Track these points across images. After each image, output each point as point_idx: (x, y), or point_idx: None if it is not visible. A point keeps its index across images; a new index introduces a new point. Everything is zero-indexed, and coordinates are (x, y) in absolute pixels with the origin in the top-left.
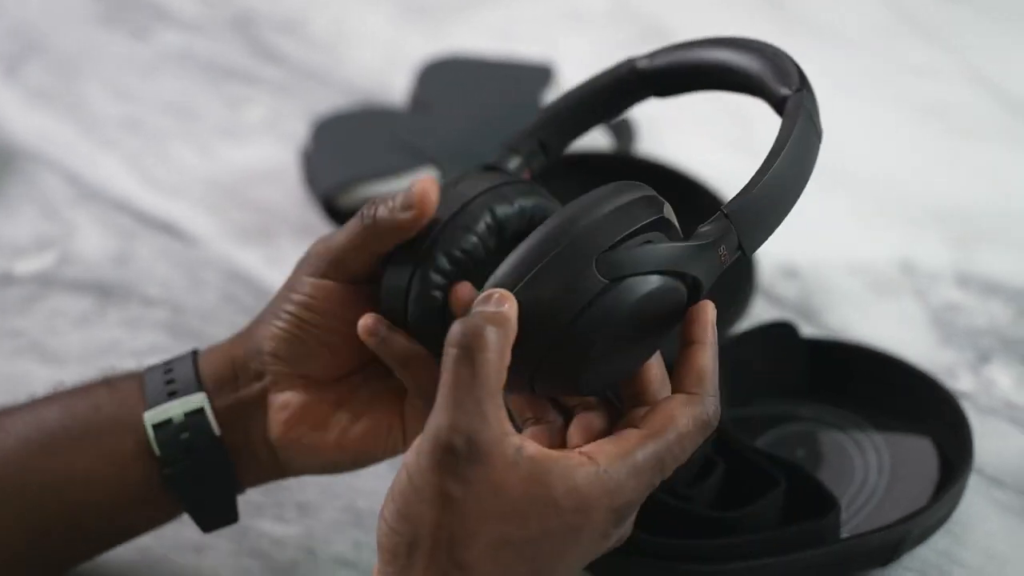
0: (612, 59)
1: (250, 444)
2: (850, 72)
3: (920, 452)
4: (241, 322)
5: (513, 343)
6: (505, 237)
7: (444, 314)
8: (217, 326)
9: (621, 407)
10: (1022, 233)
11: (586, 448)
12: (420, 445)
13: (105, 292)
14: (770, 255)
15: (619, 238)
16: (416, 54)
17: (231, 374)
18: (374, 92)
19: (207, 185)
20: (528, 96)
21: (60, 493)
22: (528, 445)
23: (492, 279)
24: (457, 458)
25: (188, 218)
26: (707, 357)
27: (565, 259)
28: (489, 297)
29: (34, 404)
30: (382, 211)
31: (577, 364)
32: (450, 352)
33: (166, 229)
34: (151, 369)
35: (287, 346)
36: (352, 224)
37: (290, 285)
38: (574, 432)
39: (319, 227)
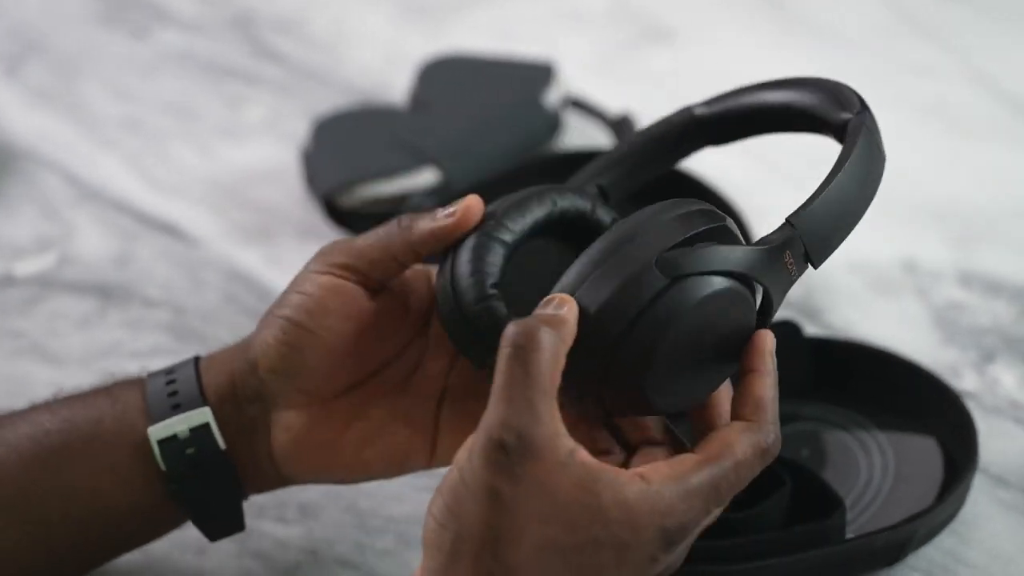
0: (611, 58)
1: (255, 458)
2: (850, 72)
3: (924, 452)
4: (242, 322)
5: (576, 345)
6: (565, 227)
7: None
8: (218, 327)
9: (689, 445)
10: None
11: (640, 469)
12: (472, 442)
13: (106, 293)
14: None
15: (681, 239)
16: (416, 53)
17: (231, 390)
18: (374, 92)
19: (207, 185)
20: (529, 95)
21: (64, 507)
22: (581, 451)
23: (555, 287)
24: (509, 454)
25: (188, 218)
26: (766, 386)
27: (626, 260)
28: (549, 302)
29: (34, 414)
30: (424, 221)
31: (642, 369)
32: (504, 351)
33: (166, 230)
34: (153, 377)
35: (282, 359)
36: (386, 227)
37: (293, 284)
38: (635, 463)
39: (320, 227)
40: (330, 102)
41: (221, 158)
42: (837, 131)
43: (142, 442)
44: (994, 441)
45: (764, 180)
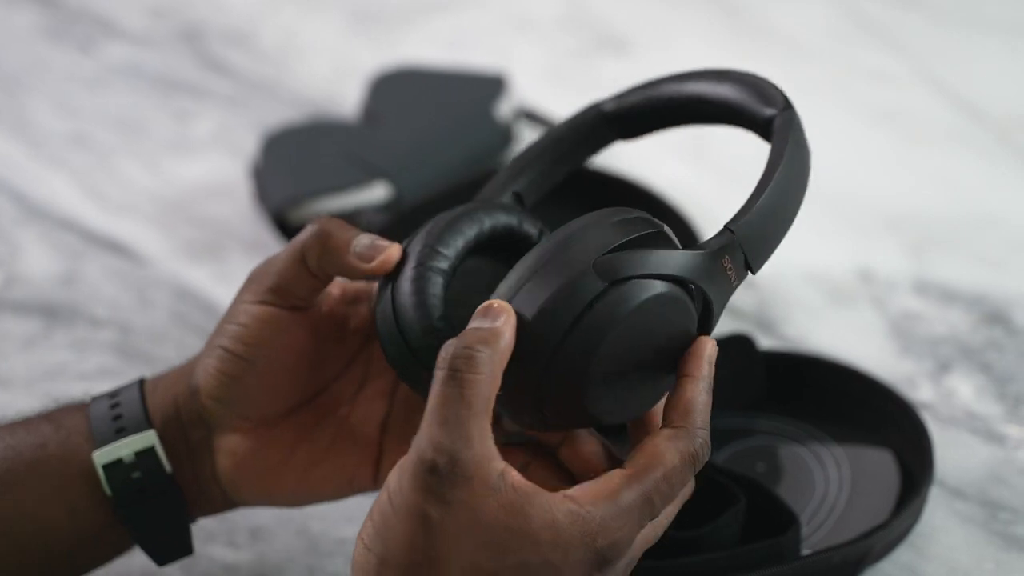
0: (564, 67)
1: (201, 482)
2: (805, 78)
3: (881, 464)
4: (191, 342)
5: (514, 354)
6: (496, 243)
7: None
8: (166, 346)
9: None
10: (980, 240)
11: (570, 491)
12: (403, 464)
13: (51, 313)
14: None
15: (618, 244)
16: (367, 65)
17: (175, 413)
18: (325, 104)
19: (155, 202)
20: (481, 107)
21: (9, 536)
22: (512, 473)
23: (493, 294)
24: (439, 478)
25: (136, 236)
26: (697, 390)
27: (563, 265)
28: (486, 311)
29: None
30: (338, 243)
31: (581, 376)
32: (439, 373)
33: (113, 248)
34: (96, 400)
35: (222, 387)
36: (302, 236)
37: (229, 313)
38: (566, 452)
39: (270, 243)
40: (280, 115)
41: (169, 174)
42: (761, 127)
43: (87, 467)
44: (950, 452)
45: (717, 189)
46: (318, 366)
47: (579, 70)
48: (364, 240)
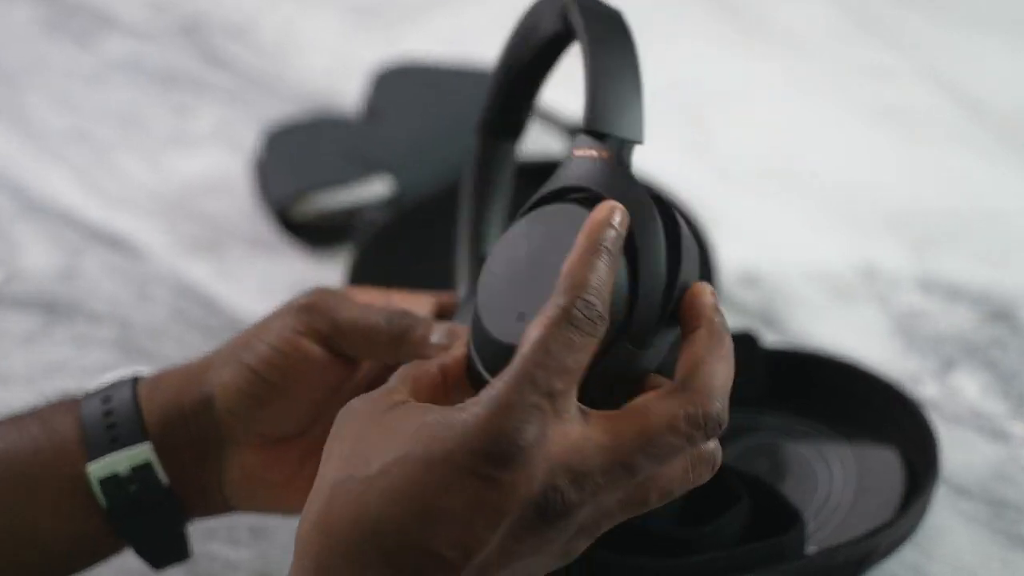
0: (565, 63)
1: (203, 488)
2: (807, 75)
3: (886, 463)
4: (191, 338)
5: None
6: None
7: None
8: (166, 342)
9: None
10: (984, 236)
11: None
12: None
13: (51, 309)
14: (730, 263)
15: None
16: (368, 60)
17: (180, 418)
18: (326, 98)
19: (155, 197)
20: (482, 103)
21: (5, 540)
22: (409, 402)
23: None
24: (342, 416)
25: (136, 231)
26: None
27: None
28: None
29: None
30: (417, 336)
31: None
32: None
33: (113, 243)
34: (87, 400)
35: (243, 406)
36: (377, 315)
37: (265, 329)
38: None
39: (271, 239)
40: (281, 110)
41: (169, 169)
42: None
43: (81, 476)
44: (956, 451)
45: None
46: (341, 396)
47: (581, 66)
48: (440, 329)
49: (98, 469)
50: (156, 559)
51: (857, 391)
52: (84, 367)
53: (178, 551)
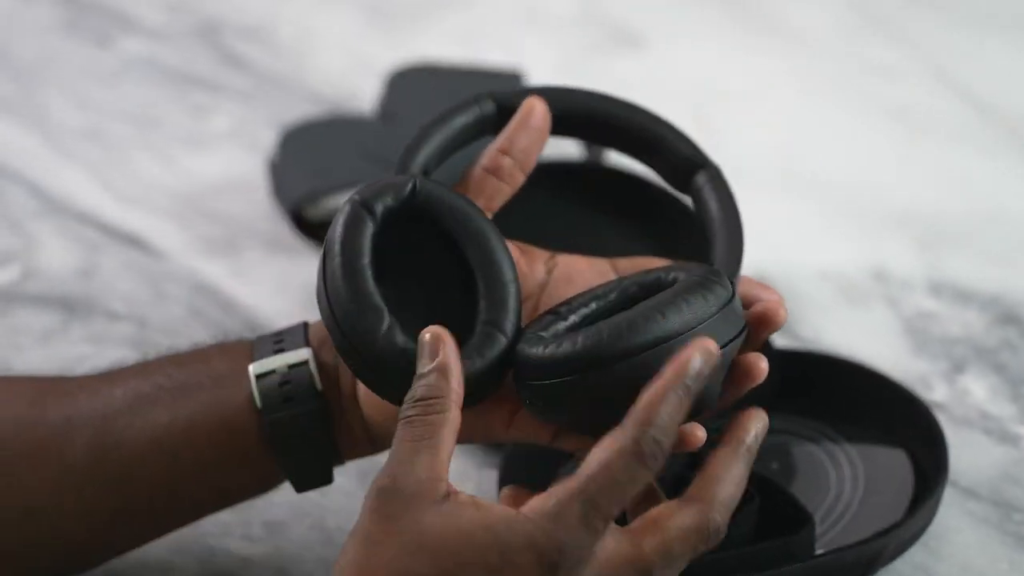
0: (578, 63)
1: (345, 419)
2: (817, 75)
3: (894, 464)
4: (206, 337)
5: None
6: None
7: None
8: (183, 340)
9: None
10: (995, 239)
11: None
12: (368, 490)
13: (69, 307)
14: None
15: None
16: (382, 61)
17: (333, 364)
18: (341, 100)
19: (172, 196)
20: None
21: (159, 443)
22: (459, 493)
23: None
24: (382, 497)
25: (153, 230)
26: (656, 391)
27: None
28: (431, 347)
29: (148, 361)
30: None
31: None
32: (400, 420)
33: (131, 242)
34: (262, 336)
35: None
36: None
37: None
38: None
39: (287, 239)
40: (297, 111)
41: (186, 168)
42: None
43: (243, 382)
44: (964, 452)
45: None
46: None
47: (594, 67)
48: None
49: (257, 367)
50: (300, 477)
51: (866, 393)
52: (101, 365)
53: (323, 471)
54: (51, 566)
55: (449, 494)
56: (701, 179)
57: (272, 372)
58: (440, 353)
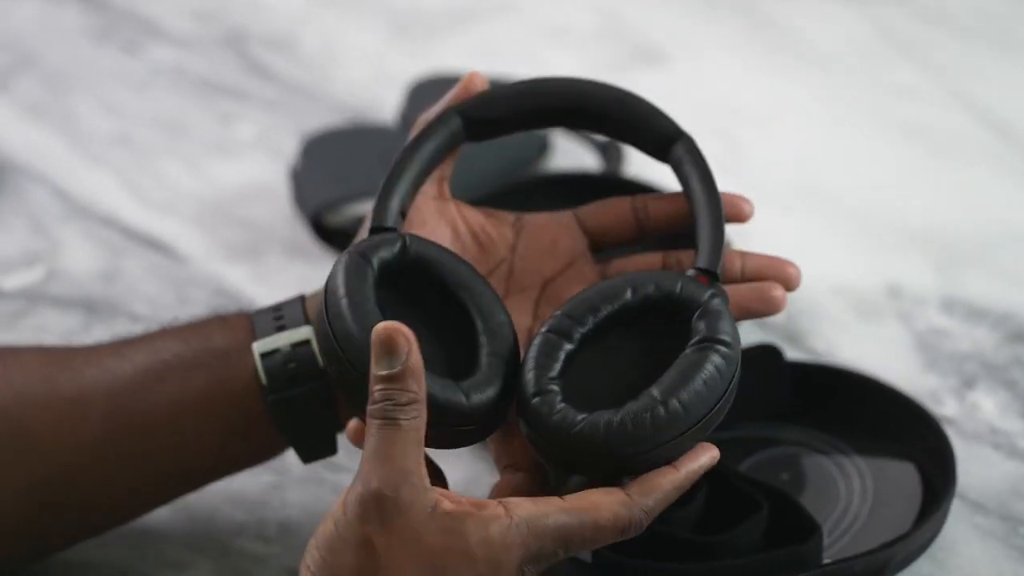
0: (599, 78)
1: None
2: (834, 93)
3: (903, 477)
4: None
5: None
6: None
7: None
8: None
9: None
10: (1008, 257)
11: (507, 500)
12: (349, 496)
13: (92, 308)
14: None
15: None
16: (405, 72)
17: None
18: (364, 110)
19: (196, 202)
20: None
21: (169, 420)
22: (443, 501)
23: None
24: (384, 508)
25: (176, 235)
26: (668, 480)
27: None
28: (388, 347)
29: (152, 335)
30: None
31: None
32: (374, 421)
33: (154, 246)
34: (260, 310)
35: None
36: None
37: None
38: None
39: (307, 246)
40: (320, 120)
41: (211, 175)
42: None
43: (247, 358)
44: (973, 467)
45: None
46: None
47: (614, 81)
48: None
49: (261, 346)
50: (306, 449)
51: (877, 406)
52: None
53: (327, 443)
54: (77, 534)
55: (436, 502)
56: (679, 151)
57: (276, 351)
58: (411, 355)
